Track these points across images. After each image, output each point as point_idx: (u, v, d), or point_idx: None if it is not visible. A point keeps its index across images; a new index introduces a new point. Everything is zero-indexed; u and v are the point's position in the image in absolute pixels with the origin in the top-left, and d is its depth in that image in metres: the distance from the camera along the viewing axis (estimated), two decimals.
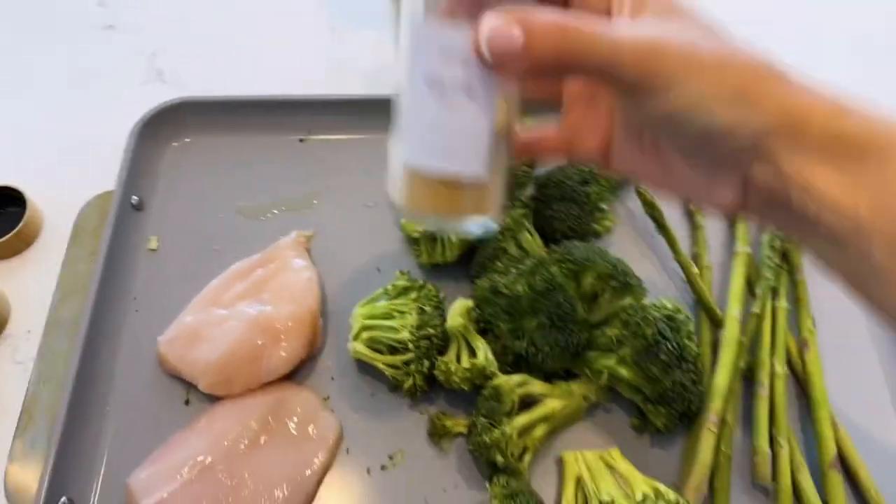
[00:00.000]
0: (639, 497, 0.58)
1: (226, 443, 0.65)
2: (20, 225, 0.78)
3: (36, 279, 0.77)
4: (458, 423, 0.67)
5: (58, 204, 0.82)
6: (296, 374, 0.71)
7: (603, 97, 0.44)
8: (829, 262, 0.38)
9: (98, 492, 0.65)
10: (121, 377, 0.71)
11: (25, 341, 0.74)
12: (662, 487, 0.59)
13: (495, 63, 0.36)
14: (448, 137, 0.40)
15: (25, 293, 0.77)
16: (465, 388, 0.65)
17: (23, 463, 0.66)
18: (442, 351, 0.68)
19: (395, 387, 0.70)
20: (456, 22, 0.37)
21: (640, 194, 0.74)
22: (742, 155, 0.36)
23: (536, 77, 0.45)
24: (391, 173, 0.44)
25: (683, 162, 0.41)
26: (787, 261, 0.75)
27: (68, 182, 0.83)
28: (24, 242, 0.79)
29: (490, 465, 0.62)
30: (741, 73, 0.35)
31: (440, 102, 0.39)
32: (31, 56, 0.97)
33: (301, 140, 0.86)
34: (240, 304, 0.72)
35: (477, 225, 0.44)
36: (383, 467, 0.66)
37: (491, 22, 0.35)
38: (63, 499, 0.63)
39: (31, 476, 0.65)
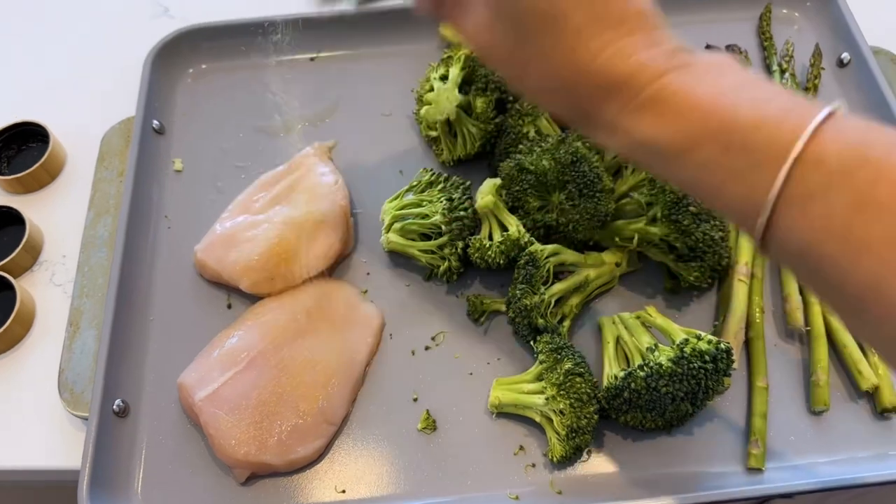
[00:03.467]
0: (680, 340, 0.60)
1: (274, 334, 0.66)
2: (44, 157, 0.79)
3: (64, 208, 0.79)
4: (496, 301, 0.69)
5: (79, 136, 0.83)
6: (333, 272, 0.73)
7: None
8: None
9: (150, 393, 0.67)
10: (161, 287, 0.72)
11: (62, 265, 0.75)
12: (702, 333, 0.61)
13: None
14: None
15: (56, 221, 0.78)
16: (501, 263, 0.66)
17: (75, 372, 0.67)
18: (474, 232, 0.70)
19: (430, 276, 0.71)
20: None
21: None
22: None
23: None
24: None
25: None
26: None
27: (88, 114, 0.84)
28: (50, 174, 0.80)
29: (532, 329, 0.64)
30: None
31: None
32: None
33: (311, 59, 0.87)
34: (271, 209, 0.73)
35: None
36: (427, 348, 0.68)
37: None
38: (117, 401, 0.65)
39: (84, 382, 0.66)
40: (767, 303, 0.69)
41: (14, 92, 0.89)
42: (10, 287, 0.71)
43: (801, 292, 0.67)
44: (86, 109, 0.85)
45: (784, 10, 0.87)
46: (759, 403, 0.63)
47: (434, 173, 0.73)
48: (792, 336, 0.67)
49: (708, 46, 0.84)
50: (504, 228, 0.68)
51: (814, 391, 0.63)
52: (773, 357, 0.66)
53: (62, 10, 0.96)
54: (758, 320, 0.66)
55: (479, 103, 0.75)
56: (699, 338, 0.60)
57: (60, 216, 0.78)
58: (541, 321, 0.63)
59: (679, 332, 0.62)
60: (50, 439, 0.66)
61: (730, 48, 0.83)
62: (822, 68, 0.81)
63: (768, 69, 0.82)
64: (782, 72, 0.80)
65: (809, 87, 0.80)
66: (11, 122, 0.81)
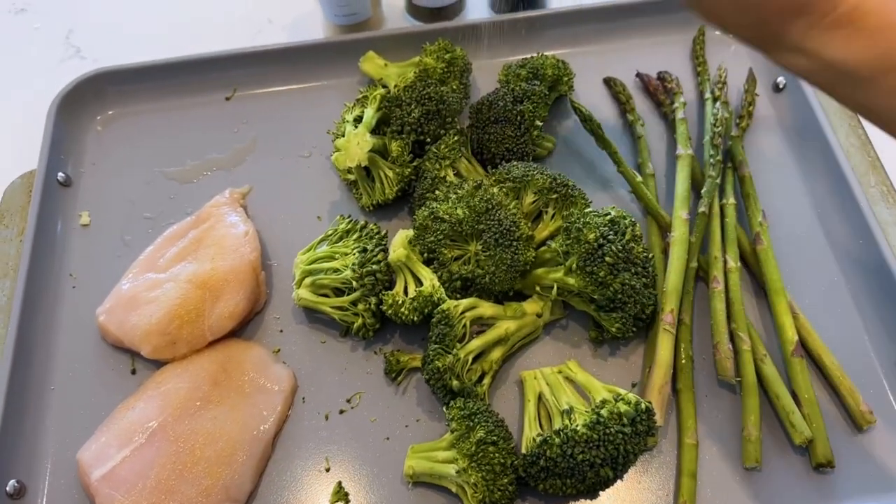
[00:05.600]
0: (597, 402, 0.57)
1: (176, 404, 0.62)
2: None
3: None
4: (414, 358, 0.66)
5: None
6: (242, 331, 0.69)
7: None
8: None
9: (49, 471, 0.63)
10: (63, 354, 0.68)
11: None
12: (622, 391, 0.58)
13: None
14: None
15: None
16: (415, 320, 0.63)
17: None
18: (388, 287, 0.66)
19: (346, 331, 0.68)
20: None
21: (575, 109, 0.72)
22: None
23: None
24: None
25: None
26: (731, 158, 0.74)
27: None
28: None
29: (447, 391, 0.61)
30: None
31: None
32: None
33: (227, 98, 0.83)
34: (176, 265, 0.69)
35: None
36: (342, 411, 0.65)
37: None
38: (12, 482, 0.61)
39: None
40: (699, 349, 0.65)
41: None
42: None
43: (732, 340, 0.64)
44: None
45: (717, 32, 0.84)
46: (687, 461, 0.60)
47: (350, 221, 0.70)
48: (724, 386, 0.64)
49: (638, 75, 0.81)
50: (419, 282, 0.65)
51: (745, 447, 0.60)
52: (704, 409, 0.63)
53: None
54: (686, 371, 0.63)
55: (395, 146, 0.71)
56: (619, 398, 0.57)
57: None
58: (455, 383, 0.60)
59: (600, 390, 0.59)
60: None
61: (661, 77, 0.79)
62: (757, 94, 0.78)
63: (701, 96, 0.79)
64: (715, 99, 0.77)
65: (744, 113, 0.76)
66: None
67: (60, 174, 0.76)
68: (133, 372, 0.67)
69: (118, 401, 0.65)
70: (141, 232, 0.74)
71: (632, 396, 0.57)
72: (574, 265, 0.61)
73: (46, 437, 0.64)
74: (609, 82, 0.80)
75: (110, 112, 0.82)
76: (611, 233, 0.61)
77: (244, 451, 0.61)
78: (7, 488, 0.60)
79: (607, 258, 0.60)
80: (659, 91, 0.79)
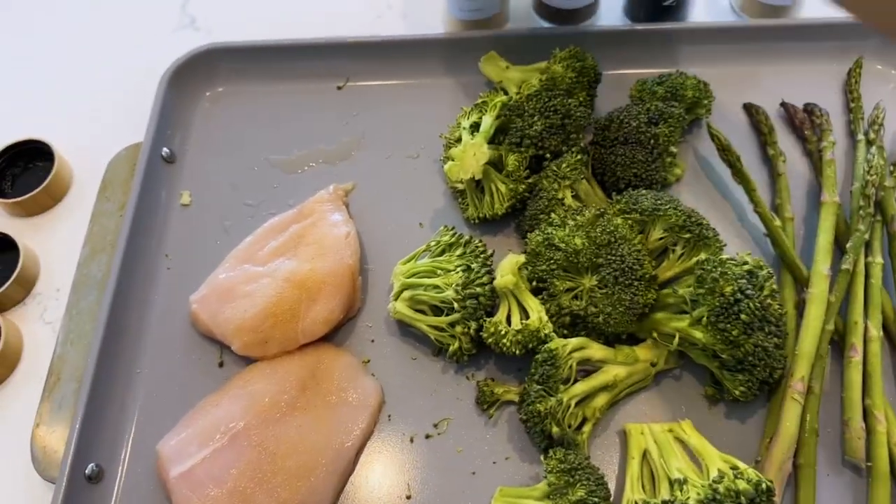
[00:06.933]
0: (714, 475, 0.52)
1: (261, 407, 0.60)
2: (48, 180, 0.74)
3: (66, 236, 0.74)
4: (510, 391, 0.61)
5: (88, 157, 0.78)
6: (334, 336, 0.66)
7: None
8: None
9: (127, 458, 0.62)
10: (151, 338, 0.67)
11: (55, 300, 0.71)
12: (741, 465, 0.53)
13: None
14: None
15: (55, 251, 0.74)
16: (517, 353, 0.59)
17: (50, 426, 0.63)
18: (490, 312, 0.62)
19: (439, 350, 0.64)
20: None
21: (713, 137, 0.66)
22: None
23: None
24: None
25: None
26: (881, 211, 0.67)
27: (98, 134, 0.80)
28: (53, 198, 0.76)
29: (545, 436, 0.56)
30: None
31: None
32: (57, 5, 0.93)
33: (339, 87, 0.80)
34: (275, 260, 0.67)
35: None
36: (428, 436, 0.61)
37: None
38: (91, 465, 0.60)
39: (58, 440, 0.62)
40: (825, 422, 0.59)
41: (23, 105, 0.84)
42: None
43: (866, 418, 0.57)
44: (97, 129, 0.81)
45: (878, 66, 0.75)
46: None
47: (455, 234, 0.66)
48: (849, 466, 0.58)
49: (783, 105, 0.73)
50: (524, 311, 0.60)
51: None
52: (824, 489, 0.57)
53: (83, 19, 0.91)
54: (810, 446, 0.57)
55: (511, 160, 0.66)
56: (737, 473, 0.51)
57: (60, 245, 0.74)
58: (556, 429, 0.55)
59: (716, 458, 0.54)
60: (18, 498, 0.62)
61: (808, 109, 0.72)
62: None
63: (853, 136, 0.71)
64: (869, 143, 0.69)
65: None
66: (18, 138, 0.76)
67: (165, 150, 0.75)
68: (220, 365, 0.66)
69: (202, 393, 0.63)
70: (241, 219, 0.72)
71: (752, 473, 0.51)
72: (705, 319, 0.55)
73: (128, 422, 0.63)
74: (750, 109, 0.73)
75: (220, 89, 0.80)
76: (749, 287, 0.55)
77: (326, 465, 0.59)
78: (86, 471, 0.60)
79: (743, 316, 0.54)
80: (805, 125, 0.71)
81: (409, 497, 0.59)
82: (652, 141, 0.65)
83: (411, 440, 0.61)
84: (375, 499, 0.59)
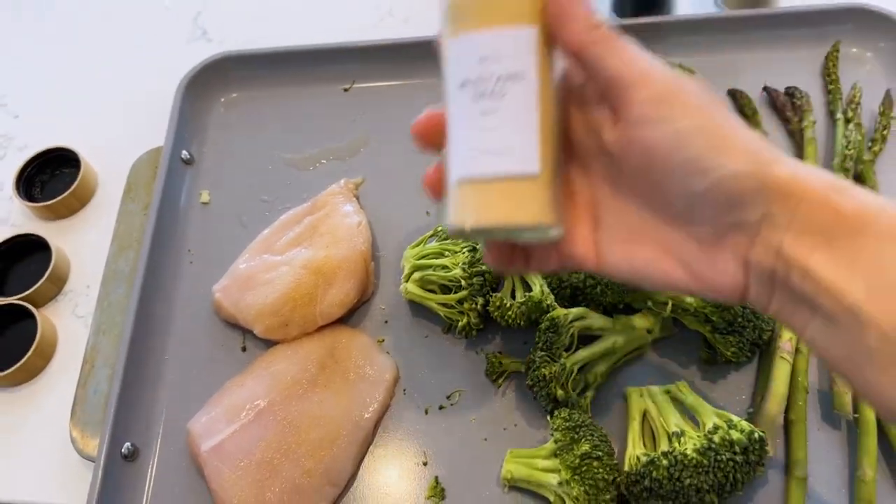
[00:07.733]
0: (710, 427, 0.55)
1: (283, 385, 0.64)
2: (75, 184, 0.79)
3: (94, 236, 0.79)
4: (516, 362, 0.65)
5: (111, 162, 0.83)
6: (350, 318, 0.70)
7: (582, 192, 0.41)
8: (825, 345, 0.36)
9: (160, 437, 0.66)
10: (178, 326, 0.71)
11: (85, 296, 0.76)
12: (735, 418, 0.56)
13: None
14: (494, 137, 0.37)
15: (84, 250, 0.78)
16: (521, 324, 0.63)
17: (86, 411, 0.67)
18: (496, 288, 0.66)
19: (449, 328, 0.68)
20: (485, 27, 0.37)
21: None
22: (741, 232, 0.36)
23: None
24: (445, 199, 0.40)
25: (684, 231, 0.38)
26: (861, 183, 0.70)
27: (120, 140, 0.84)
28: (80, 201, 0.81)
29: (550, 399, 0.60)
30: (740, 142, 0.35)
31: (480, 103, 0.37)
32: (78, 19, 0.98)
33: (345, 89, 0.85)
34: (291, 250, 0.71)
35: (537, 234, 0.39)
36: (441, 407, 0.65)
37: None
38: (127, 444, 0.64)
39: (94, 423, 0.66)
40: (813, 379, 0.63)
41: (50, 116, 0.89)
42: (33, 317, 0.71)
43: None
44: (120, 136, 0.85)
45: (854, 49, 0.80)
46: (795, 497, 0.57)
47: None
48: (838, 421, 0.61)
49: (765, 89, 0.78)
50: (527, 285, 0.65)
51: (858, 487, 0.57)
52: (815, 442, 0.60)
53: (101, 33, 0.97)
54: (800, 402, 0.60)
55: None
56: (731, 424, 0.55)
57: (88, 244, 0.79)
58: (560, 392, 0.59)
59: (710, 414, 0.57)
60: (58, 477, 0.66)
61: (789, 92, 0.76)
62: (893, 117, 0.74)
63: (832, 116, 0.75)
64: (847, 121, 0.73)
65: (877, 137, 0.73)
66: (46, 146, 0.81)
67: (184, 153, 0.80)
68: (244, 349, 0.70)
69: (228, 375, 0.67)
70: (257, 214, 0.77)
71: (745, 424, 0.55)
72: None
73: (159, 404, 0.68)
74: (734, 94, 0.78)
75: (234, 95, 0.85)
76: None
77: (346, 436, 0.63)
78: (122, 450, 0.64)
79: None
80: (787, 107, 0.76)
81: (425, 463, 0.63)
82: None
83: (426, 411, 0.65)
84: (394, 466, 0.63)
